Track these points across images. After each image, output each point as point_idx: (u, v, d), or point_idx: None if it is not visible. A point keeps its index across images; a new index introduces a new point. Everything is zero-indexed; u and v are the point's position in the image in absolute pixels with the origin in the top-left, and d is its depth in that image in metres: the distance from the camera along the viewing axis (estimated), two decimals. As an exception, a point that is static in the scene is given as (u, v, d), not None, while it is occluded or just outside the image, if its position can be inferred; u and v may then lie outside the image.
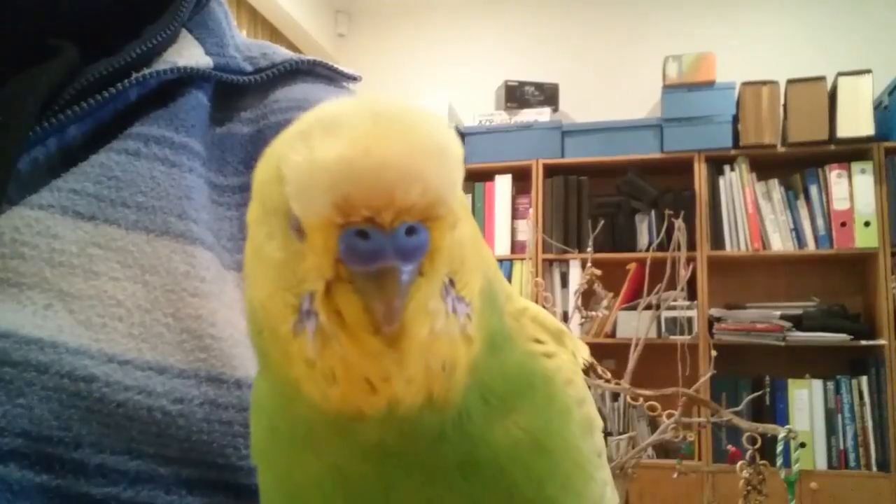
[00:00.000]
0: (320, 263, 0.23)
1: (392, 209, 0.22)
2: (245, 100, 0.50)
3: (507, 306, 0.29)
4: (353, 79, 0.56)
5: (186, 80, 0.46)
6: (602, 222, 2.46)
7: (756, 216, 3.03)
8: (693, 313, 2.95)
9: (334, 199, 0.22)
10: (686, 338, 2.45)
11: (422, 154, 0.22)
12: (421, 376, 0.23)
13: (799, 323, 2.92)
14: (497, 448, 0.26)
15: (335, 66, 0.54)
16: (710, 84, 3.07)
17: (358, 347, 0.23)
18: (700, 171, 3.07)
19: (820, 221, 2.99)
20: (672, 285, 1.77)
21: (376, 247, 0.22)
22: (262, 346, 0.26)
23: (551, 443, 0.28)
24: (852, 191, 2.94)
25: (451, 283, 0.24)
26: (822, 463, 2.86)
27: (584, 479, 0.29)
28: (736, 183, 3.05)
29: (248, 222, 0.26)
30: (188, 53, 0.47)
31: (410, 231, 0.22)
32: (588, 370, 0.33)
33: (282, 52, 0.53)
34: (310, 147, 0.23)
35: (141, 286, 0.38)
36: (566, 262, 3.17)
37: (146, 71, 0.44)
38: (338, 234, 0.22)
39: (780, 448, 1.24)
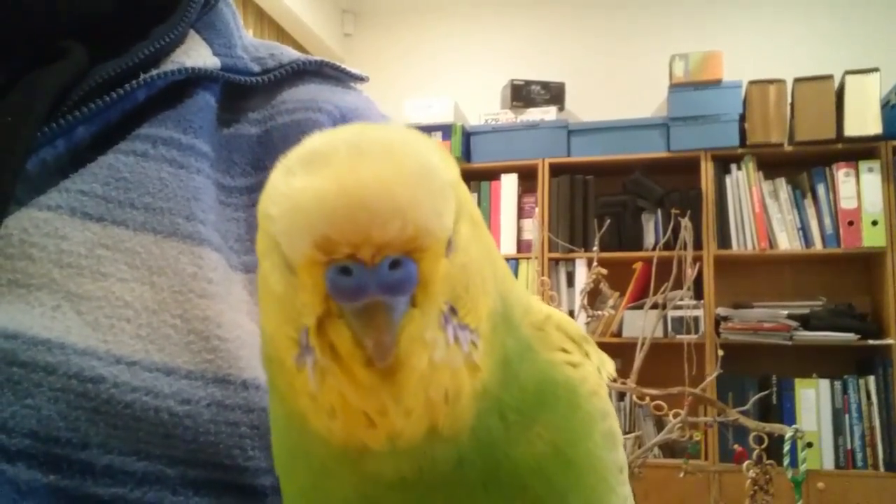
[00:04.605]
0: (310, 300, 0.23)
1: (371, 245, 0.21)
2: (252, 100, 0.50)
3: (529, 316, 0.29)
4: (361, 79, 0.56)
5: (194, 80, 0.46)
6: (608, 221, 2.45)
7: (763, 215, 3.02)
8: (699, 312, 2.94)
9: (314, 239, 0.22)
10: (692, 337, 2.44)
11: (401, 187, 0.22)
12: (420, 408, 0.23)
13: (806, 322, 2.91)
14: (520, 462, 0.26)
15: (343, 66, 0.54)
16: (716, 83, 3.06)
17: (353, 382, 0.22)
18: (707, 170, 3.06)
19: (827, 220, 2.97)
20: (678, 284, 1.77)
21: (359, 283, 0.21)
22: (272, 375, 0.27)
23: (575, 453, 0.28)
24: (860, 190, 2.93)
25: (453, 311, 0.24)
26: (829, 463, 2.85)
27: (606, 492, 0.29)
28: (743, 182, 3.04)
29: (257, 252, 0.26)
30: (196, 54, 0.47)
31: (395, 265, 0.22)
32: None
33: (289, 53, 0.53)
34: (290, 185, 0.23)
35: (148, 287, 0.38)
36: (572, 261, 3.17)
37: (154, 72, 0.44)
38: (323, 270, 0.22)
39: (787, 448, 1.24)
